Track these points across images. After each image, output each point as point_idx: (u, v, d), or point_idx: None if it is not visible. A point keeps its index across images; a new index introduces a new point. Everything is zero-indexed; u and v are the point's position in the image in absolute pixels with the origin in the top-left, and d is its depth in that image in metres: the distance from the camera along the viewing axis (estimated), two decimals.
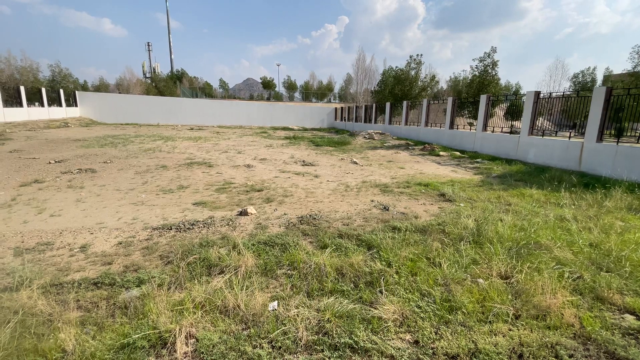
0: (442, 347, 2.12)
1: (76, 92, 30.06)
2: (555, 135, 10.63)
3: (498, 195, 6.03)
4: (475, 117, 15.33)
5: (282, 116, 36.05)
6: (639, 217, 4.81)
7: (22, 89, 21.76)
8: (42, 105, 23.77)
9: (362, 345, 2.12)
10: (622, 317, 2.48)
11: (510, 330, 2.31)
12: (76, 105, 29.19)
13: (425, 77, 28.79)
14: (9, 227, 4.24)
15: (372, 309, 2.48)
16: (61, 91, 26.78)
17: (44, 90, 24.09)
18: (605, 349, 2.15)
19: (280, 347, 2.11)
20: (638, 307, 2.56)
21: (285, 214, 4.93)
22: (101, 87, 45.95)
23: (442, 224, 4.33)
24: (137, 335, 2.12)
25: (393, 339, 2.21)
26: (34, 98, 23.48)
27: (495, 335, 2.25)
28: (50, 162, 8.72)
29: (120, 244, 3.77)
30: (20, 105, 21.58)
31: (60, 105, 26.21)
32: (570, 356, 2.08)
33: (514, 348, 2.13)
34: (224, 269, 3.08)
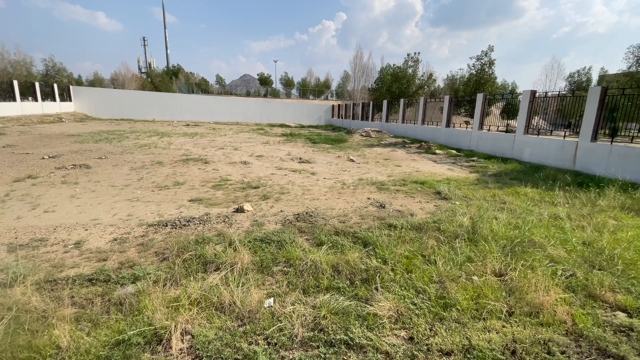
0: (436, 344, 2.14)
1: (70, 86, 29.70)
2: (551, 135, 10.70)
3: (493, 194, 6.07)
4: (471, 116, 15.38)
5: (279, 113, 35.92)
6: (632, 216, 4.87)
7: (15, 83, 21.46)
8: (35, 100, 23.47)
9: (357, 341, 2.13)
10: (614, 315, 2.52)
11: (503, 327, 2.33)
12: (70, 100, 28.86)
13: (422, 75, 28.84)
14: (2, 223, 4.19)
15: (367, 306, 2.50)
16: (55, 86, 26.44)
17: (37, 85, 23.76)
18: (597, 345, 2.18)
19: (276, 344, 2.12)
20: (630, 304, 2.60)
21: (281, 211, 4.93)
22: (96, 82, 45.44)
23: (437, 222, 4.35)
24: (132, 332, 2.11)
25: (388, 336, 2.23)
26: (28, 92, 23.17)
27: (489, 331, 2.28)
28: (44, 158, 8.63)
29: (115, 240, 3.75)
30: (14, 99, 21.29)
31: (54, 100, 25.89)
32: (563, 352, 2.11)
33: (507, 344, 2.16)
34: (220, 265, 3.07)
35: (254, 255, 3.31)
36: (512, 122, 13.90)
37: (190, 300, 2.47)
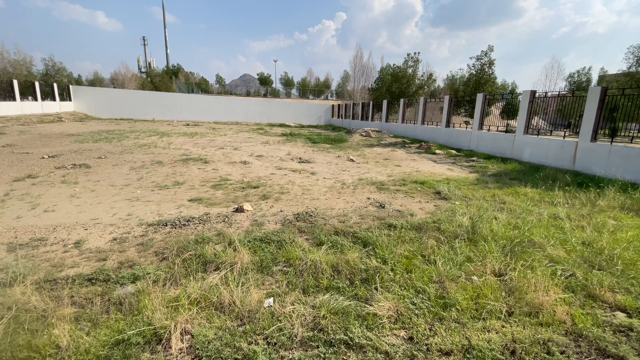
0: (436, 344, 2.14)
1: (70, 86, 29.68)
2: (550, 135, 10.71)
3: (493, 194, 6.07)
4: (471, 116, 15.38)
5: (278, 113, 35.92)
6: (631, 216, 4.87)
7: (15, 82, 21.43)
8: (35, 99, 23.45)
9: (357, 341, 2.13)
10: (614, 315, 2.52)
11: (503, 327, 2.33)
12: (70, 100, 28.84)
13: (422, 75, 28.82)
14: (2, 222, 4.19)
15: (367, 306, 2.50)
16: (55, 85, 26.42)
17: (37, 84, 23.73)
18: (597, 345, 2.18)
19: (275, 344, 2.12)
20: (629, 304, 2.60)
21: (281, 211, 4.93)
22: (96, 82, 45.44)
23: (437, 222, 4.35)
24: (132, 332, 2.11)
25: (388, 336, 2.23)
26: (27, 92, 23.15)
27: (488, 331, 2.28)
28: (43, 157, 8.62)
29: (115, 240, 3.75)
30: (14, 99, 21.27)
31: (54, 99, 25.87)
32: (562, 352, 2.11)
33: (506, 344, 2.16)
34: (220, 265, 3.07)
35: (254, 255, 3.31)
36: (512, 122, 13.91)
37: (190, 300, 2.48)
